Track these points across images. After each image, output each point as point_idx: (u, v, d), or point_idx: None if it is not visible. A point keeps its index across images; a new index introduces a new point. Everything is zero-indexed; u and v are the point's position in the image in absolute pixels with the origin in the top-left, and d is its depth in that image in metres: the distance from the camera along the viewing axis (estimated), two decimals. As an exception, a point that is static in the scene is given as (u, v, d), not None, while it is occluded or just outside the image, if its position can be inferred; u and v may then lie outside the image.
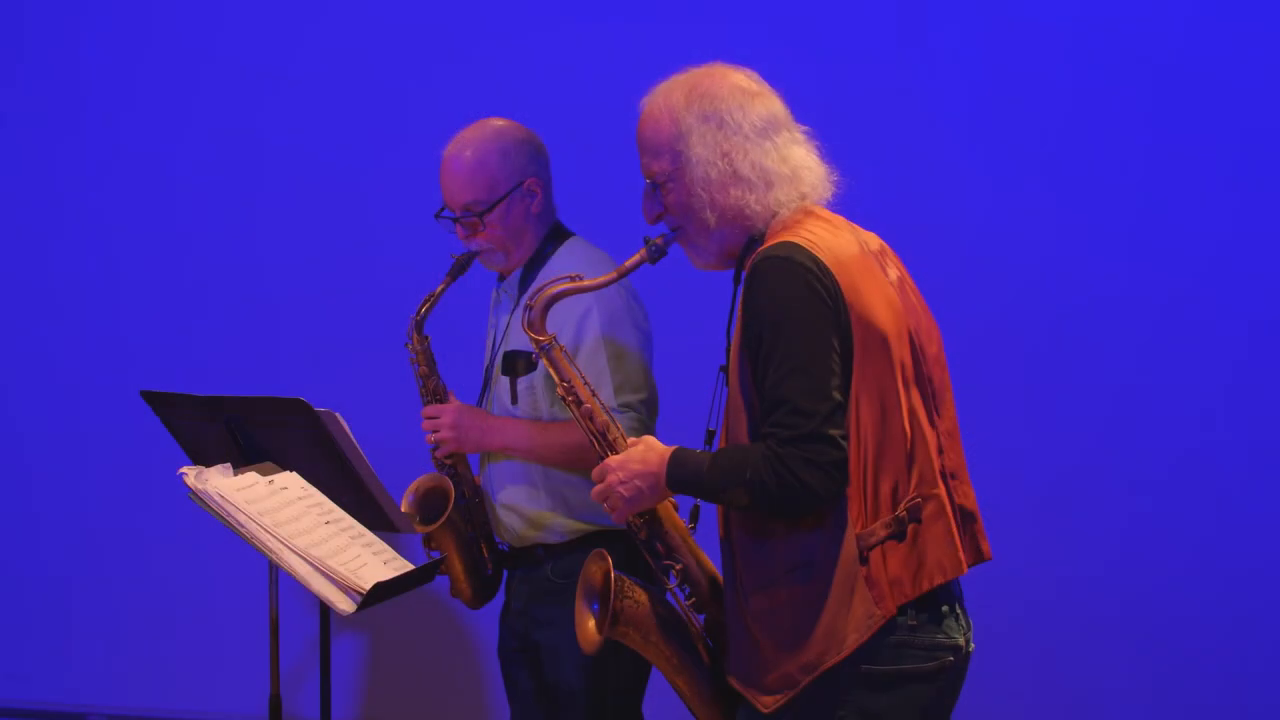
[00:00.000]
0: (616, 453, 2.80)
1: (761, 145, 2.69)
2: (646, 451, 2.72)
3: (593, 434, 2.85)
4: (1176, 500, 4.29)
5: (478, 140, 3.48)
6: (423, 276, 3.62)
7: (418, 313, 3.51)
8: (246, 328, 4.86)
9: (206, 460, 3.05)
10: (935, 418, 2.68)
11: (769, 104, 2.74)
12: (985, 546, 2.75)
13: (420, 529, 3.48)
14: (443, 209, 3.50)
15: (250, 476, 2.95)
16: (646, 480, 2.70)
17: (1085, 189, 4.32)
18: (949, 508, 2.64)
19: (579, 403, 2.87)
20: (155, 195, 4.93)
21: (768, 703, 2.62)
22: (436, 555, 3.45)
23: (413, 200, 3.94)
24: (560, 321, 3.40)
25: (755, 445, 2.57)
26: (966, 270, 4.33)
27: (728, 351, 2.73)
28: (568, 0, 4.65)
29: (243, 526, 2.83)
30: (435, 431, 3.48)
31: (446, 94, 4.64)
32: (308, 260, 4.81)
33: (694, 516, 2.84)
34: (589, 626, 2.80)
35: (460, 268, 3.51)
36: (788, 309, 2.54)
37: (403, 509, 3.49)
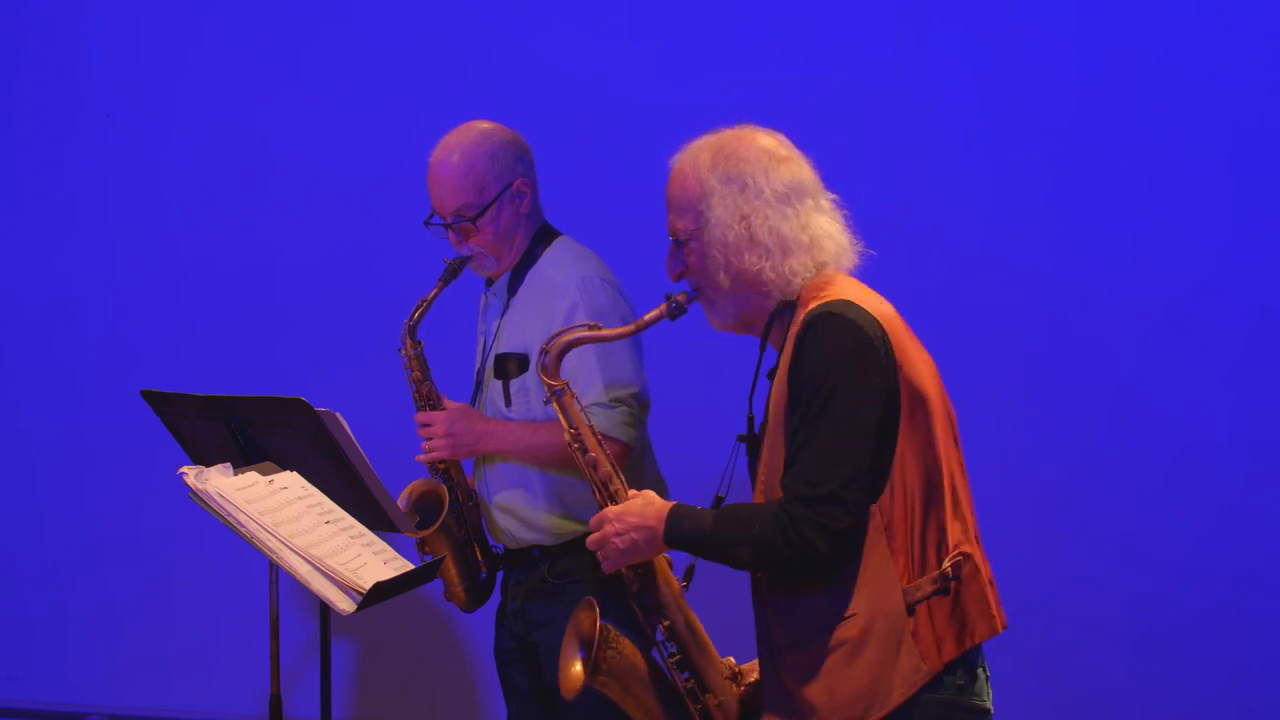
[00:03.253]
0: (617, 504, 2.80)
1: (782, 211, 2.66)
2: (645, 505, 2.72)
3: (595, 484, 2.86)
4: (1176, 500, 4.29)
5: (465, 144, 3.47)
6: (424, 275, 3.62)
7: (410, 318, 3.51)
8: (247, 328, 4.87)
9: (207, 460, 3.05)
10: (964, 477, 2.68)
11: (796, 170, 2.71)
12: (1002, 613, 2.71)
13: (415, 534, 3.48)
14: (432, 215, 3.50)
15: (250, 476, 2.95)
16: (643, 534, 2.69)
17: (1086, 189, 4.32)
18: (984, 568, 2.64)
19: (584, 450, 2.87)
20: (156, 195, 4.93)
21: None
22: (431, 559, 3.45)
23: (413, 200, 3.94)
24: (546, 317, 3.40)
25: (766, 504, 2.57)
26: (966, 270, 4.33)
27: (749, 420, 2.74)
28: (568, 1, 4.65)
29: (243, 526, 2.83)
30: (429, 439, 3.48)
31: (446, 96, 4.64)
32: (308, 260, 4.82)
33: (688, 575, 2.83)
34: (572, 671, 2.81)
35: (452, 272, 3.50)
36: (841, 366, 2.53)
37: (395, 514, 3.49)
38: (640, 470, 3.48)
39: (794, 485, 2.52)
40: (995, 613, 2.64)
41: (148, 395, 3.63)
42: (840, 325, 2.55)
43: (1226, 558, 4.27)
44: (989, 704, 2.65)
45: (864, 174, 4.27)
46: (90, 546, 5.00)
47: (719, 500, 2.76)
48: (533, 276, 3.49)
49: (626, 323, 3.42)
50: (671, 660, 2.80)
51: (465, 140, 3.48)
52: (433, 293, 3.49)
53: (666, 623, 2.79)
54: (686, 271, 2.74)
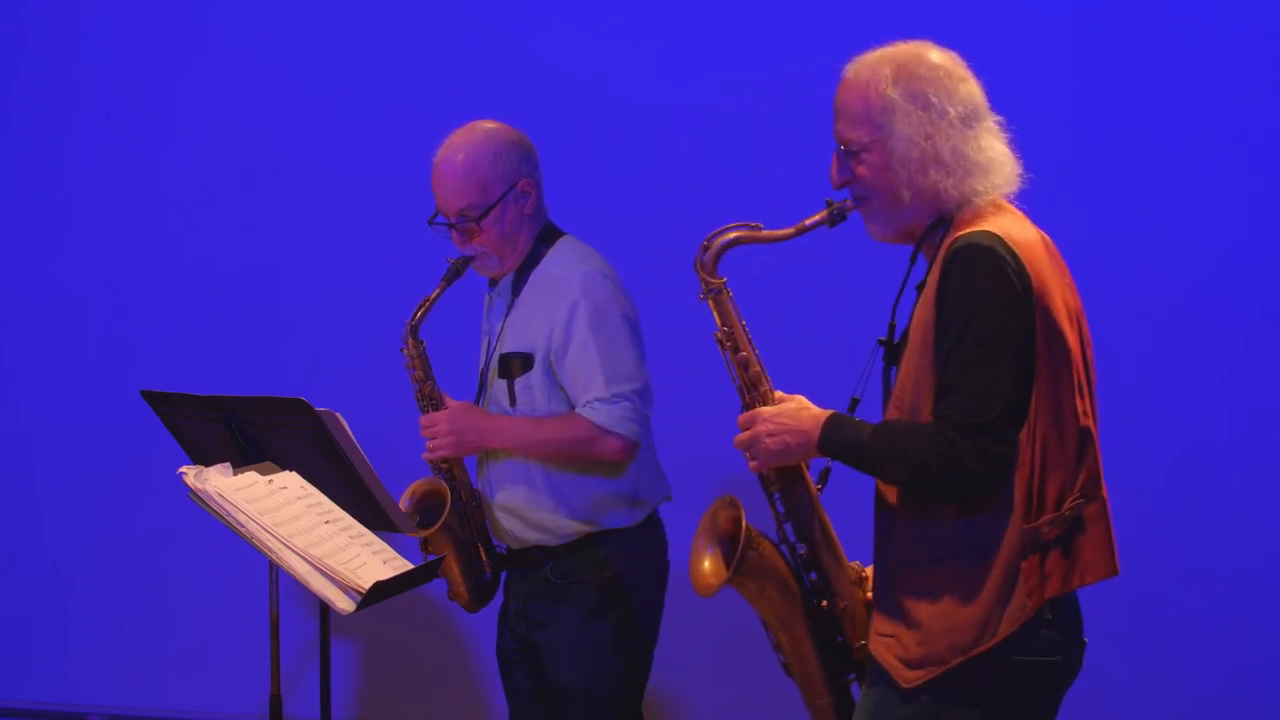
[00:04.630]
0: (768, 405, 2.81)
1: (964, 133, 2.70)
2: (800, 409, 2.75)
3: (745, 383, 2.86)
4: (1176, 500, 4.29)
5: (469, 144, 3.46)
6: (425, 275, 3.62)
7: (413, 318, 3.51)
8: (247, 328, 4.87)
9: (207, 460, 3.05)
10: (1095, 416, 2.70)
11: (972, 90, 2.76)
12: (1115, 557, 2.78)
13: (417, 533, 3.48)
14: (435, 215, 3.49)
15: (250, 476, 2.95)
16: (797, 437, 2.72)
17: (1085, 189, 4.32)
18: (1108, 509, 2.69)
19: (736, 349, 2.88)
20: (156, 195, 4.93)
21: (910, 678, 2.64)
22: (434, 557, 3.45)
23: (414, 200, 3.94)
24: (549, 316, 3.40)
25: (926, 425, 2.58)
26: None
27: (891, 327, 2.75)
28: (568, 1, 4.65)
29: (242, 526, 2.83)
30: (433, 438, 3.48)
31: (446, 96, 4.64)
32: (308, 260, 4.82)
33: (824, 478, 2.86)
34: (706, 569, 2.86)
35: (455, 272, 3.50)
36: (987, 301, 2.55)
37: (399, 513, 3.49)
38: (641, 471, 3.48)
39: (951, 414, 2.54)
40: (1115, 554, 2.71)
41: (148, 395, 3.63)
42: (987, 260, 2.57)
43: (1226, 558, 4.27)
44: (1081, 633, 2.71)
45: (1031, 175, 4.28)
46: (90, 546, 5.00)
47: (855, 402, 2.80)
48: (536, 276, 3.48)
49: (628, 320, 3.43)
50: (800, 559, 2.85)
51: (470, 140, 3.47)
52: (435, 292, 3.49)
53: (801, 523, 2.84)
54: (852, 180, 2.75)
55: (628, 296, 3.46)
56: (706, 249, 2.89)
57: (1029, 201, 4.48)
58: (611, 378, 3.36)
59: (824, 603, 2.87)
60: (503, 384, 3.48)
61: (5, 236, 5.04)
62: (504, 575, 3.64)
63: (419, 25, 4.73)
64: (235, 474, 2.93)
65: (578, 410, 3.39)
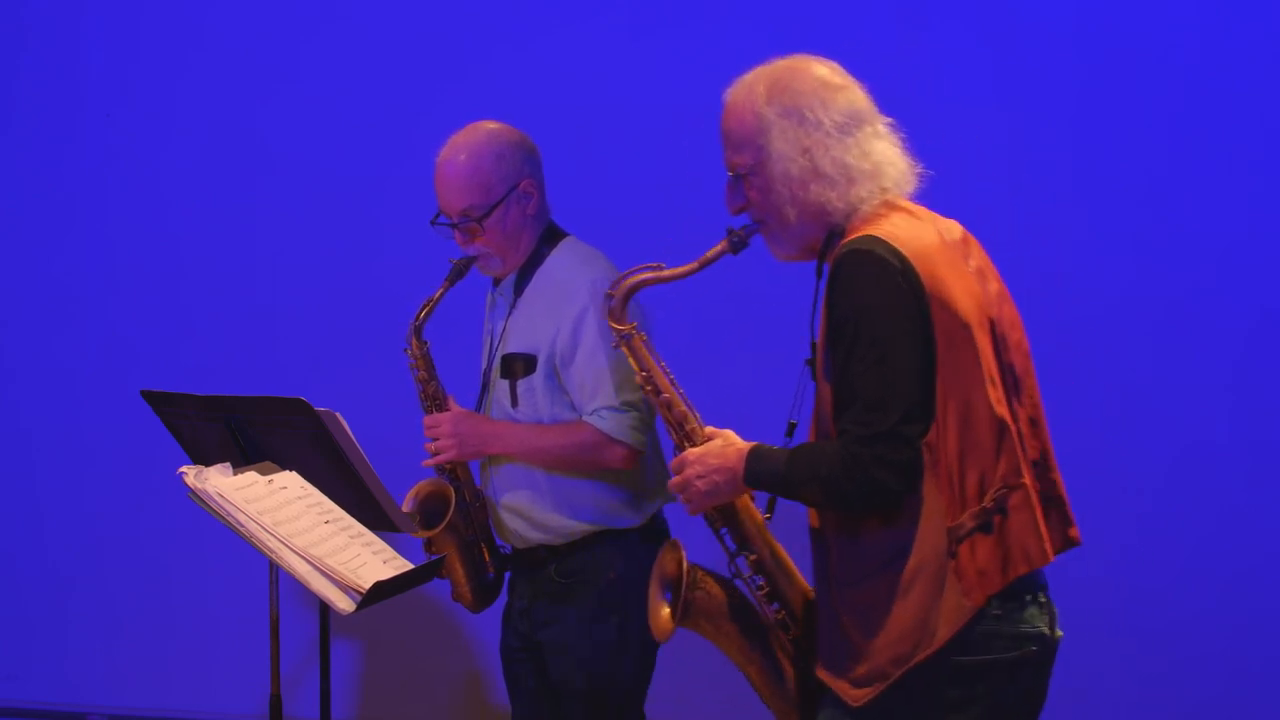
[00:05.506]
0: (694, 444, 2.81)
1: (843, 141, 2.68)
2: (725, 446, 2.74)
3: (670, 424, 2.86)
4: (1176, 500, 4.29)
5: (472, 144, 3.46)
6: (425, 275, 3.62)
7: (416, 318, 3.50)
8: (247, 328, 4.86)
9: (207, 460, 3.05)
10: (1017, 406, 2.69)
11: (851, 97, 2.73)
12: (1074, 532, 2.76)
13: (421, 534, 3.48)
14: (438, 215, 3.49)
15: (250, 476, 2.95)
16: (724, 475, 2.72)
17: (1085, 189, 4.32)
18: (1034, 497, 2.65)
19: (658, 392, 2.88)
20: (156, 195, 4.93)
21: (858, 696, 2.63)
22: (435, 557, 3.45)
23: (414, 199, 3.94)
24: (555, 319, 3.40)
25: (831, 443, 2.58)
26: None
27: (813, 346, 2.73)
28: (568, 1, 4.64)
29: (242, 526, 2.83)
30: (436, 440, 3.48)
31: (446, 96, 4.64)
32: (308, 260, 4.81)
33: (770, 506, 2.84)
34: (663, 615, 2.83)
35: (458, 272, 3.50)
36: (868, 303, 2.54)
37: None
38: (645, 471, 3.48)
39: (853, 426, 2.53)
40: (1048, 541, 2.65)
41: (148, 395, 3.63)
42: (866, 262, 2.56)
43: (1226, 558, 4.27)
44: (1044, 628, 2.67)
45: (931, 173, 4.27)
46: (90, 546, 5.00)
47: (792, 426, 2.79)
48: (540, 277, 3.48)
49: (640, 321, 3.42)
50: (760, 593, 2.82)
51: (472, 140, 3.47)
52: (439, 292, 3.49)
53: (753, 556, 2.81)
54: (747, 205, 2.75)
55: (637, 303, 3.44)
56: (612, 296, 2.90)
57: (1029, 201, 4.50)
58: (620, 386, 3.36)
59: (792, 633, 2.83)
60: (505, 384, 3.48)
61: (5, 236, 5.04)
62: (507, 575, 3.64)
63: (419, 25, 4.73)
64: (235, 474, 2.93)
65: (584, 417, 3.39)
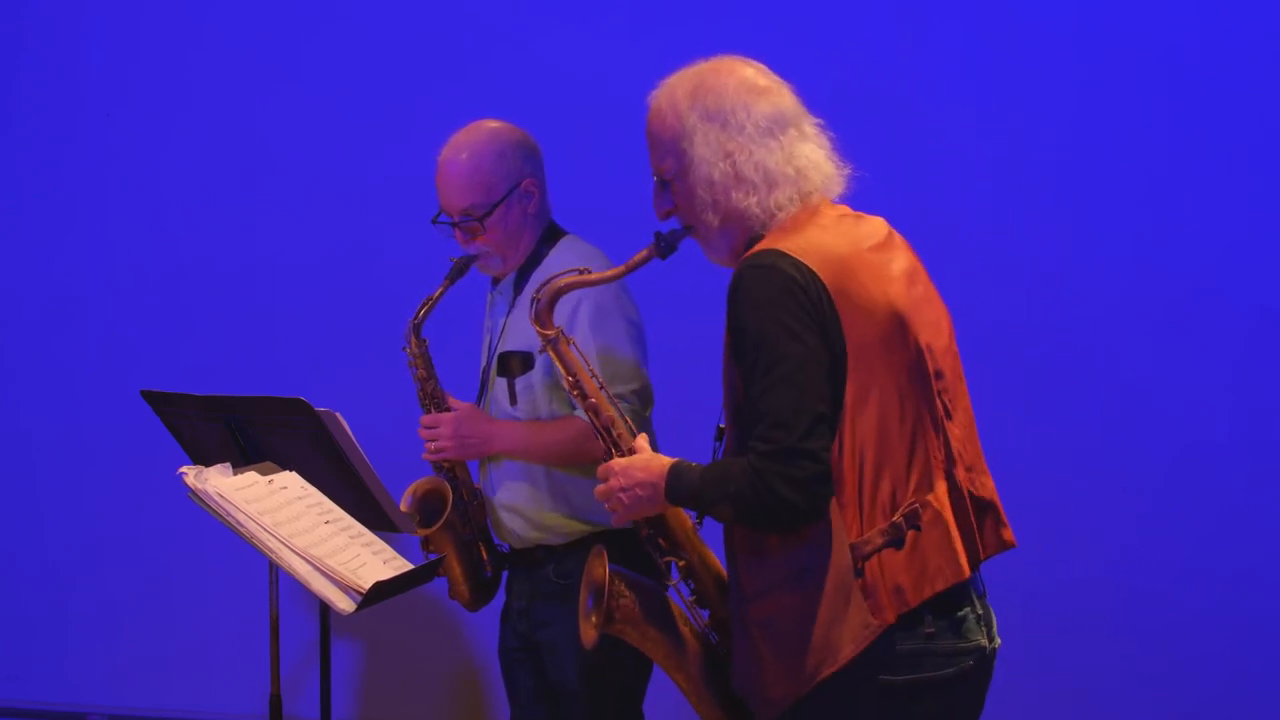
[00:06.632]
0: (621, 449, 2.79)
1: (766, 144, 2.64)
2: (650, 460, 2.71)
3: (598, 428, 2.84)
4: (1176, 500, 4.29)
5: (473, 143, 3.46)
6: (424, 274, 3.62)
7: (415, 316, 3.50)
8: (246, 328, 4.87)
9: (207, 460, 3.05)
10: (941, 415, 2.63)
11: (776, 100, 2.69)
12: (1008, 534, 2.70)
13: (419, 532, 3.48)
14: (439, 213, 3.49)
15: (250, 476, 2.95)
16: (647, 490, 2.69)
17: (1086, 189, 4.32)
18: (949, 511, 2.59)
19: (584, 396, 2.85)
20: (156, 195, 4.93)
21: (769, 712, 2.61)
22: (435, 557, 3.45)
23: (414, 199, 3.94)
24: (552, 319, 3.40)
25: (739, 460, 2.54)
26: (965, 270, 4.32)
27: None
28: (568, 1, 4.65)
29: (242, 526, 2.83)
30: (434, 440, 3.48)
31: (446, 96, 4.64)
32: (308, 259, 4.82)
33: (700, 514, 2.82)
34: (587, 623, 2.81)
35: (459, 271, 3.49)
36: (768, 319, 2.49)
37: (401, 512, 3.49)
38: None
39: (757, 443, 2.50)
40: (963, 555, 2.58)
41: (148, 395, 3.63)
42: (765, 276, 2.52)
43: (1226, 558, 4.27)
44: (979, 640, 2.61)
45: (863, 174, 4.27)
46: (90, 546, 5.00)
47: (721, 432, 2.75)
48: (539, 276, 3.47)
49: (631, 322, 3.43)
50: (689, 600, 2.80)
51: (473, 139, 3.47)
52: (438, 291, 3.49)
53: (682, 562, 2.79)
54: (674, 210, 2.73)
55: (630, 298, 3.46)
56: (538, 300, 2.86)
57: (1029, 201, 4.50)
58: (611, 379, 3.35)
59: (721, 640, 2.80)
60: (503, 382, 3.48)
61: (5, 236, 5.04)
62: (505, 574, 3.64)
63: (419, 25, 4.73)
64: (235, 474, 2.93)
65: (577, 412, 3.39)
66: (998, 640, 2.67)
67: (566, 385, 2.89)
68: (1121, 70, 4.29)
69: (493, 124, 3.51)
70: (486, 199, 3.43)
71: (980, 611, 2.64)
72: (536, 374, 3.43)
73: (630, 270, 2.80)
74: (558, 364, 2.90)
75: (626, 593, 2.78)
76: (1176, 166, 4.27)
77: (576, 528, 3.45)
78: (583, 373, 2.87)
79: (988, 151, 4.36)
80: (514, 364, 3.45)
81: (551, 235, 3.53)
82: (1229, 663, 4.27)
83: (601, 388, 2.87)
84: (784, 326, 2.49)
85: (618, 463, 2.74)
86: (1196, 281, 4.27)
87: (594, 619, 2.79)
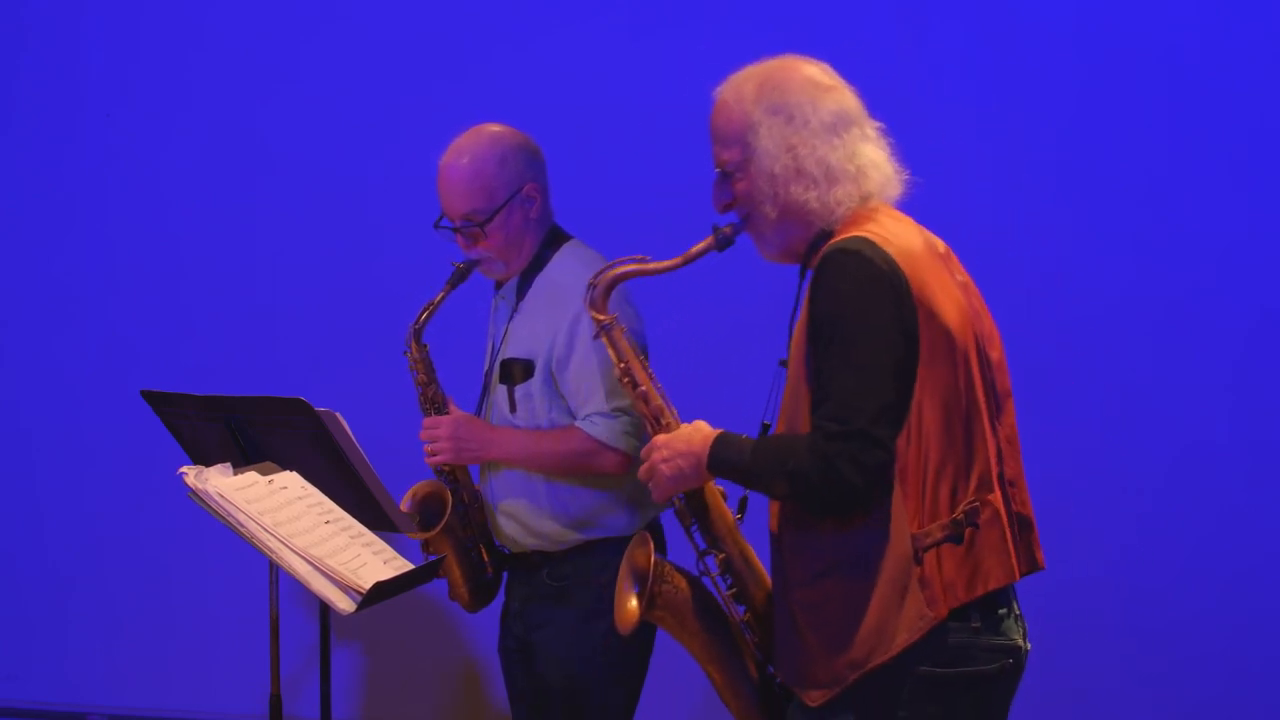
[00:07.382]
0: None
1: (829, 141, 2.67)
2: (693, 432, 2.72)
3: (647, 417, 2.85)
4: (1176, 500, 4.29)
5: (474, 148, 3.45)
6: (424, 275, 3.62)
7: (417, 321, 3.49)
8: (246, 328, 4.87)
9: (207, 460, 3.05)
10: (996, 423, 2.66)
11: (840, 99, 2.73)
12: (1039, 556, 2.74)
13: (419, 534, 3.48)
14: (441, 218, 3.48)
15: (250, 476, 2.95)
16: (688, 460, 2.69)
17: (1086, 189, 4.32)
18: (1004, 515, 2.62)
19: (635, 385, 2.87)
20: (156, 195, 4.93)
21: (815, 696, 2.61)
22: (435, 558, 3.45)
23: (414, 200, 3.94)
24: (552, 324, 3.39)
25: (802, 436, 2.55)
26: (966, 270, 4.32)
27: (789, 345, 2.72)
28: (568, 1, 4.65)
29: (243, 526, 2.83)
30: (433, 443, 3.48)
31: (446, 96, 4.64)
32: (308, 260, 4.82)
33: (742, 507, 2.82)
34: (628, 607, 2.82)
35: (460, 276, 3.48)
36: (852, 303, 2.52)
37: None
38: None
39: (825, 423, 2.51)
40: (1015, 560, 2.63)
41: (148, 395, 3.63)
42: (853, 262, 2.54)
43: (1226, 558, 4.27)
44: (1018, 640, 2.65)
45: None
46: (90, 546, 5.00)
47: (765, 428, 2.76)
48: (541, 281, 3.47)
49: (633, 327, 3.42)
50: (728, 594, 2.81)
51: (475, 144, 3.45)
52: (439, 296, 3.47)
53: (722, 555, 2.80)
54: (734, 203, 2.74)
55: (633, 308, 3.44)
56: (594, 286, 2.88)
57: (1029, 201, 4.50)
58: (612, 391, 3.35)
59: (757, 636, 2.80)
60: (504, 389, 3.47)
61: (5, 236, 5.04)
62: (505, 575, 3.63)
63: (419, 25, 4.73)
64: (235, 474, 2.93)
65: (577, 423, 3.38)
66: (1029, 645, 2.70)
67: (618, 373, 2.89)
68: (1121, 70, 4.29)
69: (494, 128, 3.49)
70: (488, 204, 3.42)
71: (1017, 613, 2.68)
72: (536, 382, 3.42)
73: (688, 261, 2.81)
74: (610, 351, 2.90)
75: (671, 579, 2.79)
76: (1176, 166, 4.27)
77: (573, 537, 3.44)
78: (634, 361, 2.88)
79: (988, 151, 4.36)
80: (515, 371, 3.45)
81: (554, 239, 3.51)
82: (1229, 663, 4.27)
83: (652, 377, 2.87)
84: (864, 311, 2.52)
85: (660, 437, 2.76)
86: (1196, 281, 4.27)
87: (636, 603, 2.79)
